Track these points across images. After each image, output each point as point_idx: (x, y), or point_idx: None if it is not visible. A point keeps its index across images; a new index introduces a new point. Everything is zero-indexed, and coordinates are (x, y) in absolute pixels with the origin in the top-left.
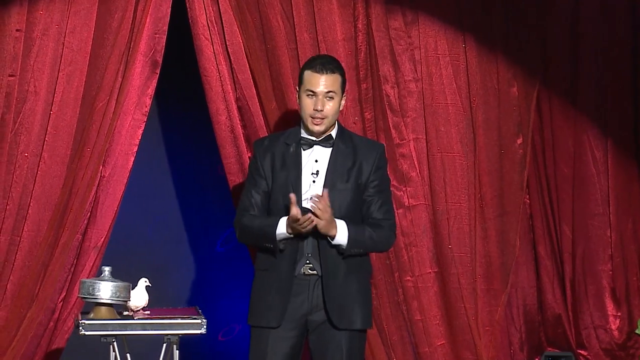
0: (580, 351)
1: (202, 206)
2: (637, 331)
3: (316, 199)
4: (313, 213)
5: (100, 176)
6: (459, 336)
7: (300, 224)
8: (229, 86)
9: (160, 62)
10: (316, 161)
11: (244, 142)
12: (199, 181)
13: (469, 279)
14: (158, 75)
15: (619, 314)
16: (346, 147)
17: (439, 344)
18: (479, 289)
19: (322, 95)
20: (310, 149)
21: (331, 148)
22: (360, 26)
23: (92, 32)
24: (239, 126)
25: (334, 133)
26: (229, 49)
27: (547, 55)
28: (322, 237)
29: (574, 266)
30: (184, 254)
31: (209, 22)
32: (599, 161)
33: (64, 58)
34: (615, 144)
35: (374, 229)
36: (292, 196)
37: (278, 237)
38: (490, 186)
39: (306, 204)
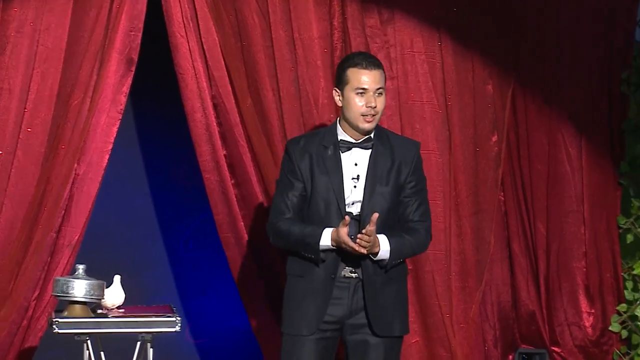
0: (554, 348)
1: (177, 204)
2: (610, 328)
3: (364, 233)
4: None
5: (75, 174)
6: (433, 333)
7: (346, 247)
8: (205, 83)
9: (136, 59)
10: (355, 165)
11: (219, 140)
12: (174, 179)
13: (444, 276)
14: (133, 72)
15: (592, 311)
16: (384, 148)
17: (413, 341)
18: (453, 286)
19: (374, 92)
20: (349, 152)
21: (370, 150)
22: (336, 24)
23: (67, 29)
24: (214, 123)
25: (372, 134)
26: (204, 47)
27: (522, 54)
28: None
29: (548, 263)
30: (158, 252)
31: (184, 19)
32: (573, 159)
33: (39, 56)
34: (589, 142)
35: (412, 236)
36: (347, 219)
37: (321, 248)
38: (465, 184)
39: (348, 209)
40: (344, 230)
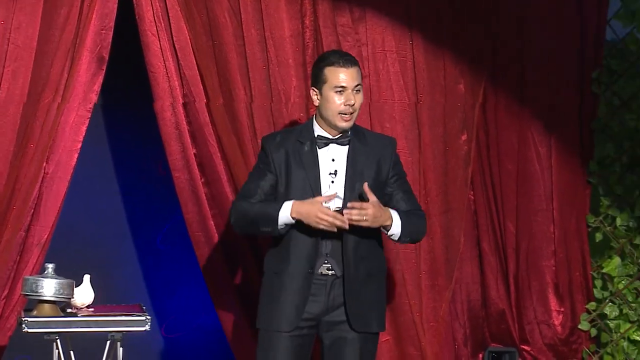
0: (523, 346)
1: (146, 203)
2: (580, 326)
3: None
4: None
5: (44, 173)
6: (403, 332)
7: (320, 221)
8: (176, 82)
9: (107, 58)
10: (333, 160)
11: (189, 139)
12: (143, 178)
13: (414, 275)
14: (104, 71)
15: (562, 309)
16: (362, 144)
17: (383, 340)
18: (423, 285)
19: (352, 89)
20: (326, 148)
21: (347, 146)
22: (307, 23)
23: (38, 28)
24: (185, 122)
25: (348, 131)
26: (175, 45)
27: (493, 53)
28: (340, 238)
29: (518, 262)
30: (128, 251)
31: (155, 18)
32: (543, 158)
33: (9, 54)
34: (559, 141)
35: (417, 218)
36: (335, 194)
37: (280, 220)
38: (435, 182)
39: (325, 204)
40: (321, 198)
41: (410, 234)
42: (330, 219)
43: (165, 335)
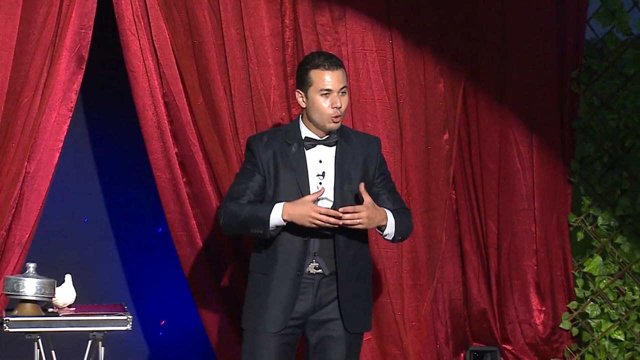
0: (505, 346)
1: (127, 202)
2: (561, 325)
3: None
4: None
5: (25, 172)
6: (385, 331)
7: (313, 220)
8: (156, 82)
9: (86, 57)
10: (320, 161)
11: (170, 138)
12: (125, 177)
13: (395, 274)
14: (84, 70)
15: (543, 308)
16: (348, 145)
17: (365, 339)
18: (405, 284)
19: (338, 92)
20: (314, 149)
21: (334, 147)
22: (287, 22)
23: (17, 27)
24: (166, 122)
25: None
26: (155, 45)
27: (473, 52)
28: (330, 237)
29: (499, 261)
30: (109, 251)
31: (135, 17)
32: (524, 157)
33: None
34: (540, 140)
35: (406, 216)
36: (322, 189)
37: (271, 222)
38: (416, 182)
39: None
40: (311, 197)
41: (401, 233)
42: (324, 217)
43: (147, 334)
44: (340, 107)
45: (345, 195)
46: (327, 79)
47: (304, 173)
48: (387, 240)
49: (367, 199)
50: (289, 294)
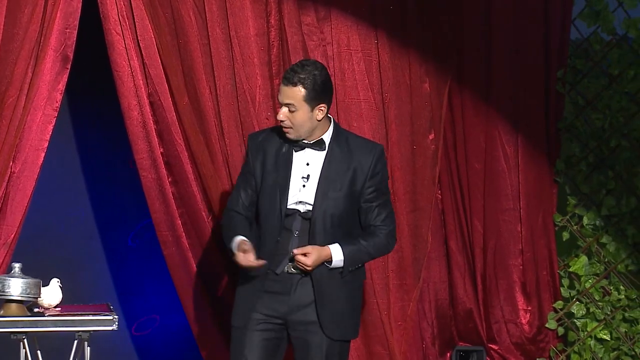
0: (491, 345)
1: (113, 202)
2: (547, 325)
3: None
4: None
5: (10, 172)
6: (371, 331)
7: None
8: (141, 81)
9: (71, 57)
10: (307, 164)
11: (156, 138)
12: (111, 177)
13: (381, 274)
14: (69, 70)
15: (529, 308)
16: (341, 150)
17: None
18: (391, 284)
19: (283, 106)
20: (302, 151)
21: (325, 152)
22: (272, 22)
23: (2, 26)
24: (151, 121)
25: (326, 137)
26: (140, 44)
27: (459, 51)
28: (307, 238)
29: (485, 261)
30: (95, 250)
31: (120, 17)
32: (509, 157)
33: None
34: (526, 140)
35: (368, 240)
36: (247, 245)
37: (232, 250)
38: (402, 182)
39: (292, 206)
40: (242, 256)
41: (357, 263)
42: (246, 262)
43: (133, 334)
44: (283, 121)
45: (327, 202)
46: (279, 90)
47: (286, 173)
48: (339, 271)
49: (304, 250)
50: (254, 289)
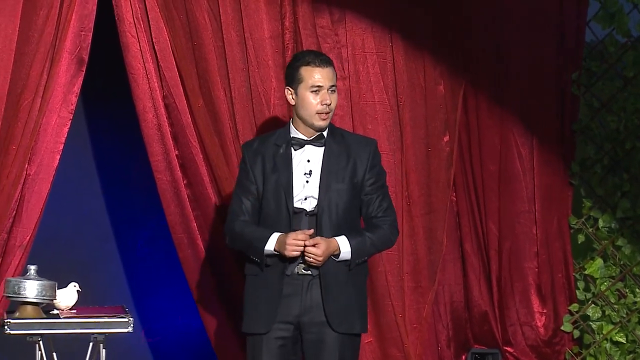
0: (506, 348)
1: (129, 204)
2: (562, 328)
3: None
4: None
5: (26, 174)
6: (387, 334)
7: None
8: (156, 84)
9: (87, 59)
10: (308, 161)
11: (171, 140)
12: (126, 179)
13: (397, 276)
14: (84, 72)
15: (544, 310)
16: (338, 145)
17: (366, 341)
18: (406, 286)
19: (327, 89)
20: (302, 149)
21: (323, 147)
22: (287, 24)
23: (17, 29)
24: (166, 124)
25: (325, 132)
26: (155, 47)
27: (473, 54)
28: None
29: (500, 263)
30: (110, 253)
31: (135, 19)
32: (524, 159)
33: None
34: (540, 142)
35: (374, 233)
36: (311, 230)
37: (265, 253)
38: (417, 184)
39: (299, 204)
40: (293, 235)
41: (364, 255)
42: (300, 242)
43: (148, 336)
44: (330, 104)
45: (331, 194)
46: (317, 76)
47: (288, 173)
48: (346, 264)
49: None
50: (273, 294)
